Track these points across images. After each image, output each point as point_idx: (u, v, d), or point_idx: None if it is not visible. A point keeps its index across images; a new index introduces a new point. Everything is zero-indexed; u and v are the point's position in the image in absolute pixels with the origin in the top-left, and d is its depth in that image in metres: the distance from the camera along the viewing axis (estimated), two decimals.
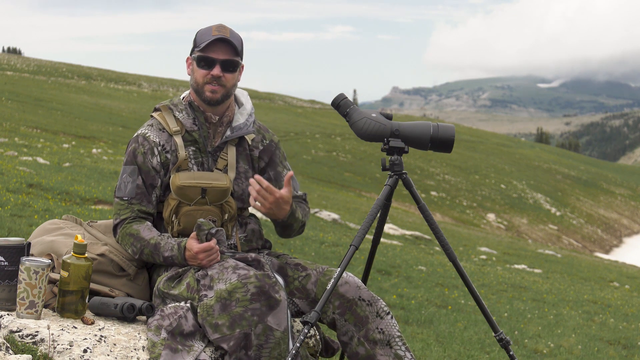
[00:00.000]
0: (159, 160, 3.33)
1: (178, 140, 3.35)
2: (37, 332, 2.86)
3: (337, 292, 3.23)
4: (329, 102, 3.59)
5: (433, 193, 43.93)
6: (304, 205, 3.53)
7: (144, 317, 3.19)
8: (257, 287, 2.98)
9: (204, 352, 2.98)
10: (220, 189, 3.32)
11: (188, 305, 3.07)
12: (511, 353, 3.42)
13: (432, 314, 8.14)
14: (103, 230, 3.49)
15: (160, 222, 3.39)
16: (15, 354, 2.71)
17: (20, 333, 2.86)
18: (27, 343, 2.83)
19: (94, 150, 22.97)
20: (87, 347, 2.84)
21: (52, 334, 2.85)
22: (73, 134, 29.28)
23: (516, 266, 16.23)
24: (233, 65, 3.33)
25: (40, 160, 15.48)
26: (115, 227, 3.34)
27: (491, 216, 43.34)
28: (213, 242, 3.15)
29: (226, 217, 3.35)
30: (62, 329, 2.91)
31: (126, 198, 3.30)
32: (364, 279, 3.63)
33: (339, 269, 3.15)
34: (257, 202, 3.23)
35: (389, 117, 3.43)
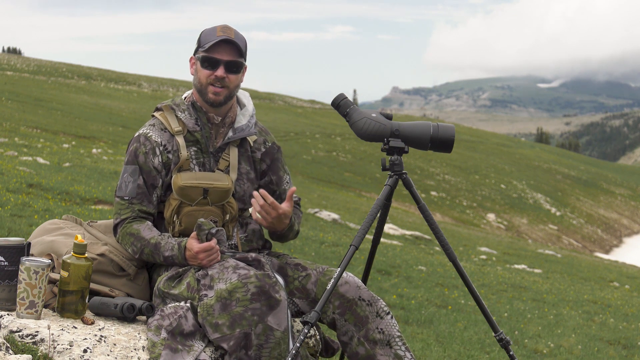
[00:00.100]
0: (160, 160, 3.33)
1: (180, 140, 3.35)
2: (37, 332, 2.86)
3: (337, 292, 3.23)
4: (329, 102, 3.59)
5: (433, 193, 43.94)
6: (298, 212, 3.54)
7: (144, 317, 3.19)
8: (257, 286, 2.98)
9: (204, 352, 2.98)
10: (222, 190, 3.33)
11: (188, 305, 3.07)
12: (511, 353, 3.42)
13: (432, 314, 8.14)
14: (103, 230, 3.49)
15: (160, 222, 3.39)
16: (15, 354, 2.71)
17: (20, 333, 2.86)
18: (27, 343, 2.83)
19: (94, 150, 22.97)
20: (87, 347, 2.84)
21: (52, 334, 2.85)
22: (73, 134, 29.28)
23: (516, 266, 16.23)
24: (237, 67, 3.33)
25: (40, 160, 15.48)
26: (115, 227, 3.34)
27: (491, 216, 43.34)
28: (213, 242, 3.15)
29: (227, 218, 3.36)
30: (62, 329, 2.91)
31: (127, 198, 3.30)
32: (364, 279, 3.63)
33: (339, 269, 3.15)
34: (259, 216, 3.26)
35: (389, 117, 3.44)
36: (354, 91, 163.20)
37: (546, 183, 60.93)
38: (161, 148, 3.34)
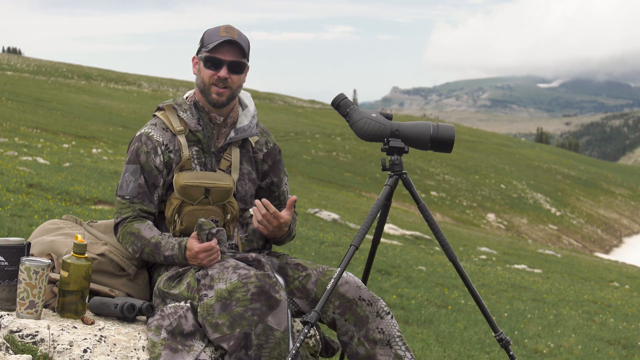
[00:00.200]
0: (162, 159, 3.33)
1: (182, 139, 3.35)
2: (37, 332, 2.86)
3: (338, 292, 3.24)
4: (329, 102, 3.60)
5: (433, 193, 43.94)
6: (294, 215, 3.55)
7: (144, 317, 3.19)
8: (257, 287, 2.98)
9: (204, 352, 2.98)
10: (224, 190, 3.33)
11: (188, 305, 3.07)
12: (511, 353, 3.42)
13: (432, 314, 8.14)
14: (103, 230, 3.49)
15: (161, 221, 3.39)
16: (15, 354, 2.71)
17: (20, 333, 2.86)
18: (27, 343, 2.83)
19: (94, 150, 22.98)
20: (87, 347, 2.84)
21: (52, 334, 2.85)
22: (73, 134, 29.28)
23: (516, 266, 16.23)
24: (240, 67, 3.34)
25: (40, 160, 15.48)
26: (116, 226, 3.34)
27: (491, 216, 43.34)
28: (214, 242, 3.15)
29: (228, 218, 3.36)
30: (62, 329, 2.91)
31: (128, 197, 3.30)
32: (364, 279, 3.63)
33: (339, 268, 3.15)
34: (260, 225, 3.30)
35: (389, 117, 3.44)
36: (354, 91, 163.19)
37: (546, 183, 60.93)
38: (163, 147, 3.34)
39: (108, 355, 2.85)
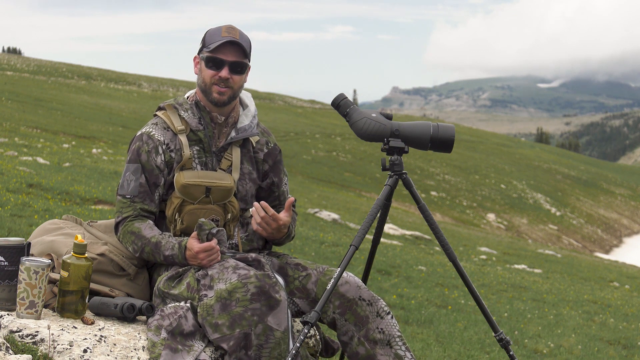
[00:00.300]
0: (163, 159, 3.34)
1: (183, 139, 3.36)
2: (37, 332, 2.86)
3: (338, 292, 3.24)
4: (329, 102, 3.60)
5: (433, 193, 43.94)
6: (294, 215, 3.55)
7: (144, 317, 3.19)
8: (257, 287, 2.98)
9: (204, 352, 2.98)
10: (224, 189, 3.33)
11: (188, 305, 3.07)
12: (511, 353, 3.42)
13: (432, 314, 8.14)
14: (103, 230, 3.49)
15: (162, 221, 3.39)
16: (15, 354, 2.71)
17: (20, 333, 2.86)
18: (27, 343, 2.83)
19: (94, 150, 22.98)
20: (87, 347, 2.84)
21: (52, 334, 2.85)
22: (73, 134, 29.28)
23: (516, 266, 16.23)
24: (241, 67, 3.34)
25: (40, 160, 15.48)
26: (117, 225, 3.34)
27: (491, 216, 43.34)
28: (214, 242, 3.15)
29: (229, 217, 3.37)
30: (62, 329, 2.91)
31: (129, 196, 3.31)
32: (364, 279, 3.63)
33: (339, 268, 3.15)
34: (259, 227, 3.30)
35: (389, 117, 3.44)
36: (354, 91, 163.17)
37: (546, 183, 60.93)
38: (164, 147, 3.34)
39: (108, 355, 2.85)
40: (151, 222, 3.31)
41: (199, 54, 3.38)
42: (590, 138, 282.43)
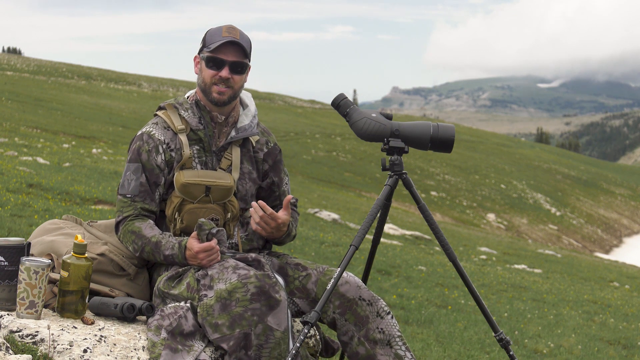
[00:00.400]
0: (163, 158, 3.34)
1: (183, 138, 3.36)
2: (37, 332, 2.86)
3: (338, 292, 3.24)
4: (329, 102, 3.60)
5: (433, 193, 43.94)
6: (295, 214, 3.55)
7: (144, 317, 3.19)
8: (257, 287, 2.98)
9: (204, 352, 2.98)
10: (224, 188, 3.34)
11: (188, 305, 3.07)
12: (511, 353, 3.42)
13: (432, 314, 8.14)
14: (103, 230, 3.49)
15: (162, 220, 3.40)
16: (15, 354, 2.71)
17: (20, 333, 2.86)
18: (27, 343, 2.83)
19: (94, 150, 22.98)
20: (87, 347, 2.84)
21: (52, 334, 2.85)
22: (73, 134, 29.29)
23: (516, 266, 16.23)
24: (241, 67, 3.35)
25: (40, 160, 15.48)
26: (117, 225, 3.34)
27: (491, 216, 43.34)
28: (214, 242, 3.15)
29: (229, 216, 3.37)
30: (62, 329, 2.91)
31: (129, 195, 3.31)
32: (364, 279, 3.63)
33: (339, 268, 3.15)
34: (258, 226, 3.30)
35: (389, 117, 3.44)
36: (354, 91, 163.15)
37: (546, 183, 60.93)
38: (164, 146, 3.35)
39: (108, 355, 2.85)
40: (152, 221, 3.31)
41: (199, 53, 3.39)
42: (590, 138, 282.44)
